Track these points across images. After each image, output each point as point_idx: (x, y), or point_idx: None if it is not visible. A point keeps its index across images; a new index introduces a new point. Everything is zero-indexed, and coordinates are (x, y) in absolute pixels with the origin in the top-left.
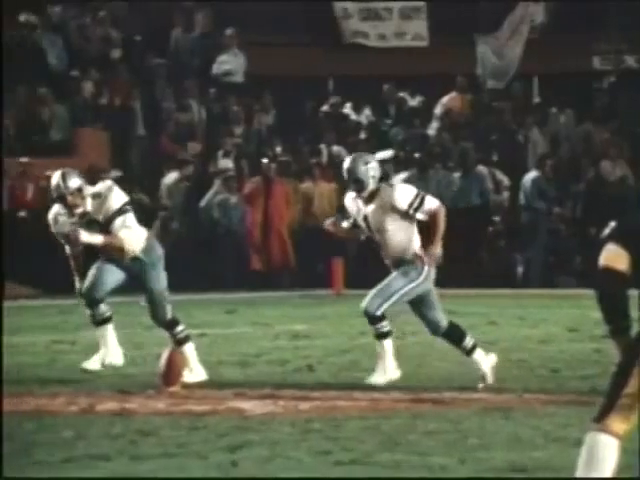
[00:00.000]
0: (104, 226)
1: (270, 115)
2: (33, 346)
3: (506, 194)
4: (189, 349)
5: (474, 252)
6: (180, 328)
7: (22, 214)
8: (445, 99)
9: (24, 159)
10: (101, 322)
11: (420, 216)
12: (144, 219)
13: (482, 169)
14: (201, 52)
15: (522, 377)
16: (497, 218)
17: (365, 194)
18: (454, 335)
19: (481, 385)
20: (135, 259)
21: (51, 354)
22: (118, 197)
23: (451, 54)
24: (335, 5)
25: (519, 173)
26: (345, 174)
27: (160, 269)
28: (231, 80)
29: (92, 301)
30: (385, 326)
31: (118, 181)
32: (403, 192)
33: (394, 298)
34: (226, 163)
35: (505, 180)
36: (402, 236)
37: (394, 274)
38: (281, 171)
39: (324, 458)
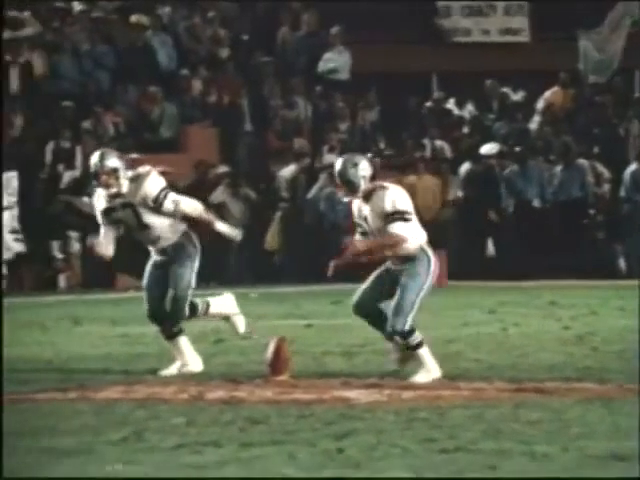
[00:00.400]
0: (141, 211)
1: (374, 111)
2: (144, 337)
3: (607, 187)
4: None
5: (575, 244)
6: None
7: None
8: (547, 94)
9: (135, 155)
10: (172, 336)
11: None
12: (253, 213)
13: (583, 162)
14: (307, 50)
15: (623, 367)
16: (597, 210)
17: (359, 195)
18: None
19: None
20: (163, 251)
21: (160, 345)
22: (154, 182)
23: (553, 50)
24: (438, 3)
25: (620, 166)
26: (337, 178)
27: (186, 267)
28: (336, 77)
29: (157, 321)
30: (417, 337)
31: (226, 176)
32: (392, 196)
33: (414, 309)
34: (331, 158)
35: (606, 173)
36: (405, 230)
37: (403, 283)
38: (385, 165)
39: (429, 446)
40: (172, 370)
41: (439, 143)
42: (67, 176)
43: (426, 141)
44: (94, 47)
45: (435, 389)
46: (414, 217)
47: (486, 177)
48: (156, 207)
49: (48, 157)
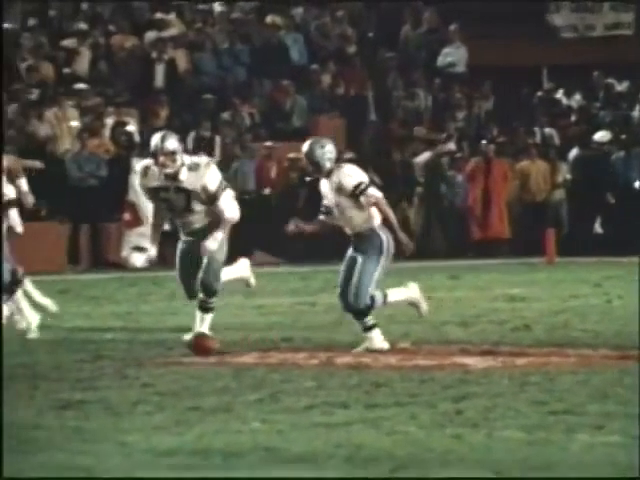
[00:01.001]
0: (196, 198)
1: (489, 101)
2: (279, 307)
3: None
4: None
5: None
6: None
7: (267, 191)
8: None
9: (268, 143)
10: (207, 310)
11: (363, 200)
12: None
13: None
14: (427, 46)
15: None
16: None
17: (322, 176)
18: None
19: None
20: (194, 232)
21: (294, 314)
22: (215, 175)
23: None
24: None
25: None
26: (304, 158)
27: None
28: (454, 70)
29: (193, 297)
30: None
31: (351, 162)
32: (350, 174)
33: (372, 286)
34: (449, 145)
35: None
36: (355, 214)
37: (360, 262)
38: (499, 151)
39: (540, 408)
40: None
41: (548, 131)
42: None
43: (536, 129)
44: (232, 45)
45: (545, 356)
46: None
47: (598, 162)
48: (210, 198)
49: (190, 145)
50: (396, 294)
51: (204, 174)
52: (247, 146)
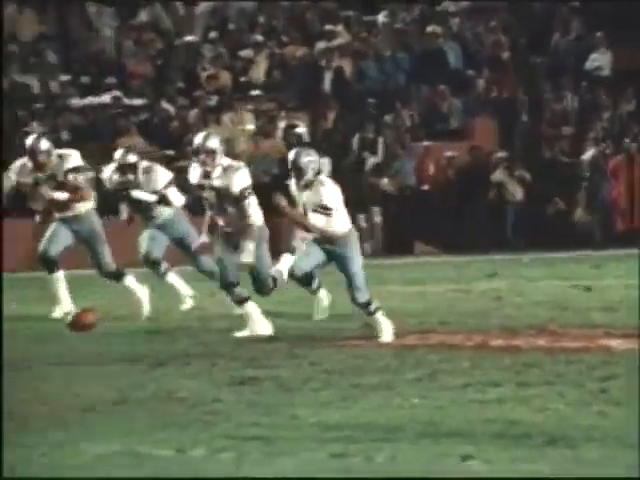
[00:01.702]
0: (226, 199)
1: (631, 103)
2: (437, 293)
3: None
4: (252, 306)
5: None
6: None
7: (425, 187)
8: None
9: (426, 143)
10: (241, 301)
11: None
12: (528, 192)
13: None
14: (575, 52)
15: None
16: None
17: (302, 182)
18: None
19: None
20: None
21: (451, 300)
22: (242, 178)
23: None
24: None
25: None
26: (289, 164)
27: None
28: (600, 74)
29: (228, 289)
30: (375, 304)
31: (504, 160)
32: (330, 193)
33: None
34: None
35: None
36: (323, 222)
37: (348, 264)
38: None
39: None
40: (245, 332)
41: None
42: (370, 161)
43: None
44: (394, 53)
45: None
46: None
47: None
48: (238, 199)
49: (355, 146)
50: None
51: (233, 175)
52: (407, 146)
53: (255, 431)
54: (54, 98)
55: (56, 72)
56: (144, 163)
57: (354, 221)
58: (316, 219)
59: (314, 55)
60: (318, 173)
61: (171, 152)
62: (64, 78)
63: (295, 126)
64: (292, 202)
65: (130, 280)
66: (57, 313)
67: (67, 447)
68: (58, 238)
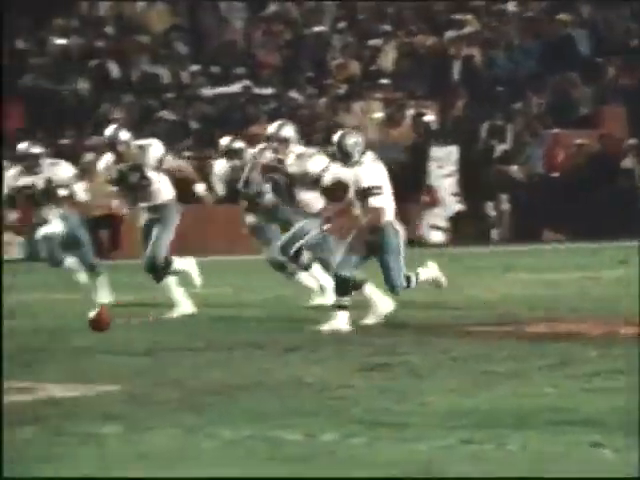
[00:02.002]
0: (300, 183)
1: None
2: (567, 281)
3: None
4: (370, 288)
5: None
6: None
7: (554, 175)
8: None
9: (556, 130)
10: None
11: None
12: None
13: None
14: None
15: None
16: None
17: (349, 165)
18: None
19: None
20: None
21: (580, 287)
22: (319, 161)
23: None
24: None
25: None
26: (335, 147)
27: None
28: None
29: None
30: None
31: (634, 148)
32: (371, 172)
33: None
34: None
35: None
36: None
37: (386, 253)
38: None
39: None
40: (371, 319)
41: None
42: (499, 149)
43: None
44: (524, 41)
45: None
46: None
47: None
48: (313, 183)
49: (483, 133)
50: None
51: (308, 161)
52: (537, 133)
53: (385, 417)
54: (184, 88)
55: (186, 63)
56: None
57: (482, 209)
58: (375, 201)
59: (443, 44)
60: (363, 154)
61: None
62: (194, 68)
63: (424, 114)
64: (341, 186)
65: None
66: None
67: (200, 431)
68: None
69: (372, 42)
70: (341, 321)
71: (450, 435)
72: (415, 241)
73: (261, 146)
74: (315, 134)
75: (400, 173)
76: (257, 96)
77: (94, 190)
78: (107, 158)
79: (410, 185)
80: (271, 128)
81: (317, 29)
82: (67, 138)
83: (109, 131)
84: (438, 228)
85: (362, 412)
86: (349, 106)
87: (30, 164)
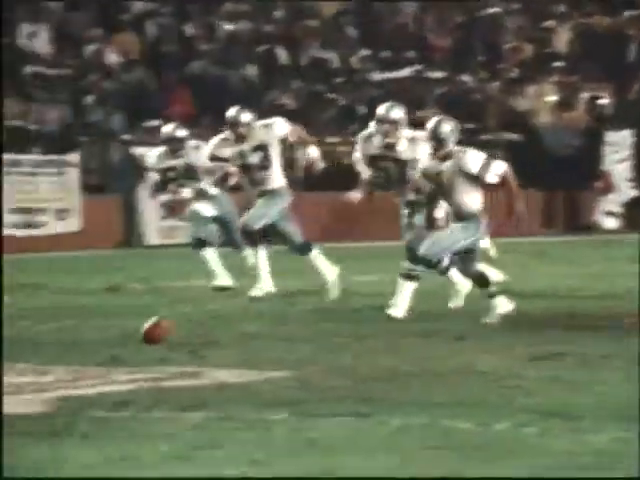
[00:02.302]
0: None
1: None
2: None
3: None
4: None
5: None
6: None
7: None
8: None
9: None
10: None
11: (491, 179)
12: None
13: None
14: None
15: None
16: None
17: (442, 154)
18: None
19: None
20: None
21: None
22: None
23: None
24: None
25: None
26: (428, 133)
27: None
28: None
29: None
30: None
31: None
32: (474, 157)
33: (453, 248)
34: None
35: None
36: (467, 194)
37: (454, 227)
38: None
39: None
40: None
41: None
42: None
43: None
44: None
45: None
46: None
47: None
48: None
49: None
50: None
51: (420, 145)
52: None
53: (558, 407)
54: (354, 73)
55: (356, 47)
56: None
57: None
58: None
59: (620, 24)
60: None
61: (471, 125)
62: (364, 53)
63: (598, 98)
64: (427, 175)
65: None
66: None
67: (370, 419)
68: (260, 211)
69: (546, 24)
70: (503, 304)
71: (626, 427)
72: (589, 227)
73: (366, 132)
74: (487, 119)
75: (573, 158)
76: (427, 80)
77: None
78: (218, 139)
79: (584, 170)
80: (380, 110)
81: (490, 11)
82: None
83: (231, 112)
84: (612, 214)
85: (534, 402)
86: (522, 90)
87: (174, 147)
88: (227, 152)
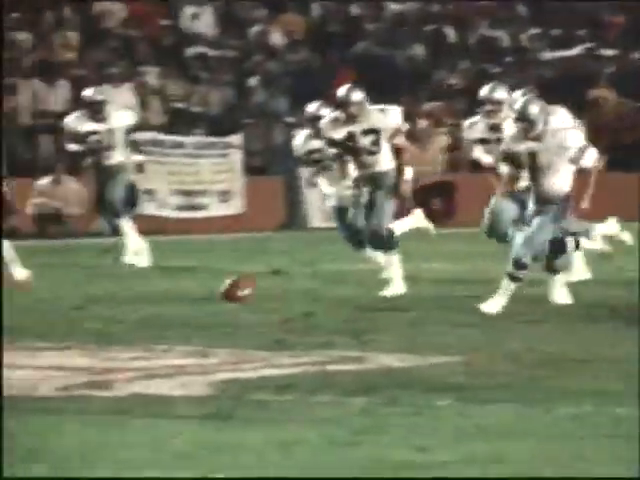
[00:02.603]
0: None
1: None
2: None
3: None
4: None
5: None
6: None
7: None
8: None
9: None
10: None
11: (586, 163)
12: None
13: None
14: None
15: None
16: None
17: (533, 134)
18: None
19: None
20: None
21: None
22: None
23: None
24: None
25: None
26: (517, 114)
27: None
28: None
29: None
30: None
31: None
32: (576, 138)
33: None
34: None
35: None
36: (561, 176)
37: (542, 219)
38: None
39: None
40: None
41: None
42: None
43: None
44: None
45: None
46: None
47: None
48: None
49: None
50: None
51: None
52: None
53: None
54: (523, 52)
55: (526, 25)
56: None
57: None
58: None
59: None
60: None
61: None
62: (534, 31)
63: None
64: (509, 157)
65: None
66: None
67: (538, 406)
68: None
69: None
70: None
71: None
72: None
73: (474, 119)
74: None
75: None
76: (598, 58)
77: (426, 157)
78: (330, 117)
79: None
80: (483, 90)
81: None
82: (402, 104)
83: (342, 91)
84: None
85: None
86: None
87: (317, 128)
88: (339, 134)
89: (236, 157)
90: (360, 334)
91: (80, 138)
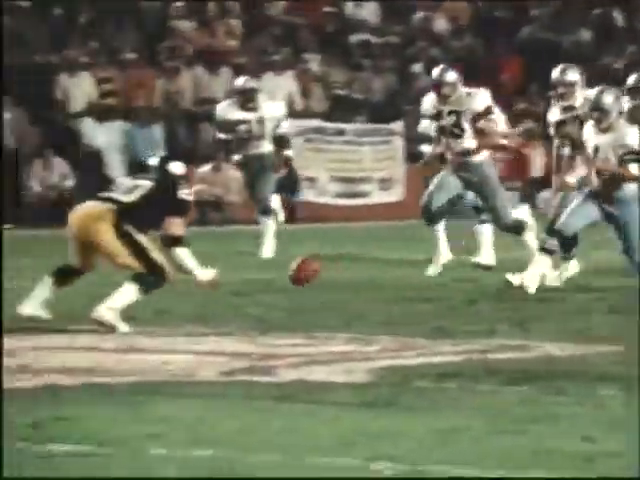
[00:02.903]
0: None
1: None
2: None
3: None
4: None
5: None
6: None
7: None
8: None
9: None
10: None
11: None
12: None
13: None
14: None
15: None
16: None
17: (604, 125)
18: None
19: None
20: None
21: None
22: None
23: None
24: None
25: None
26: (591, 104)
27: None
28: None
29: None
30: None
31: None
32: (634, 135)
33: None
34: None
35: None
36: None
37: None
38: None
39: None
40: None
41: None
42: None
43: None
44: None
45: None
46: None
47: None
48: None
49: None
50: None
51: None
52: None
53: None
54: None
55: None
56: None
57: None
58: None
59: None
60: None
61: None
62: None
63: None
64: (578, 146)
65: (529, 236)
66: (432, 269)
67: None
68: (443, 189)
69: None
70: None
71: None
72: None
73: (556, 110)
74: None
75: None
76: None
77: None
78: (431, 98)
79: None
80: (555, 73)
81: None
82: None
83: (436, 71)
84: None
85: None
86: None
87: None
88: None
89: (398, 144)
90: (522, 322)
91: (230, 127)
